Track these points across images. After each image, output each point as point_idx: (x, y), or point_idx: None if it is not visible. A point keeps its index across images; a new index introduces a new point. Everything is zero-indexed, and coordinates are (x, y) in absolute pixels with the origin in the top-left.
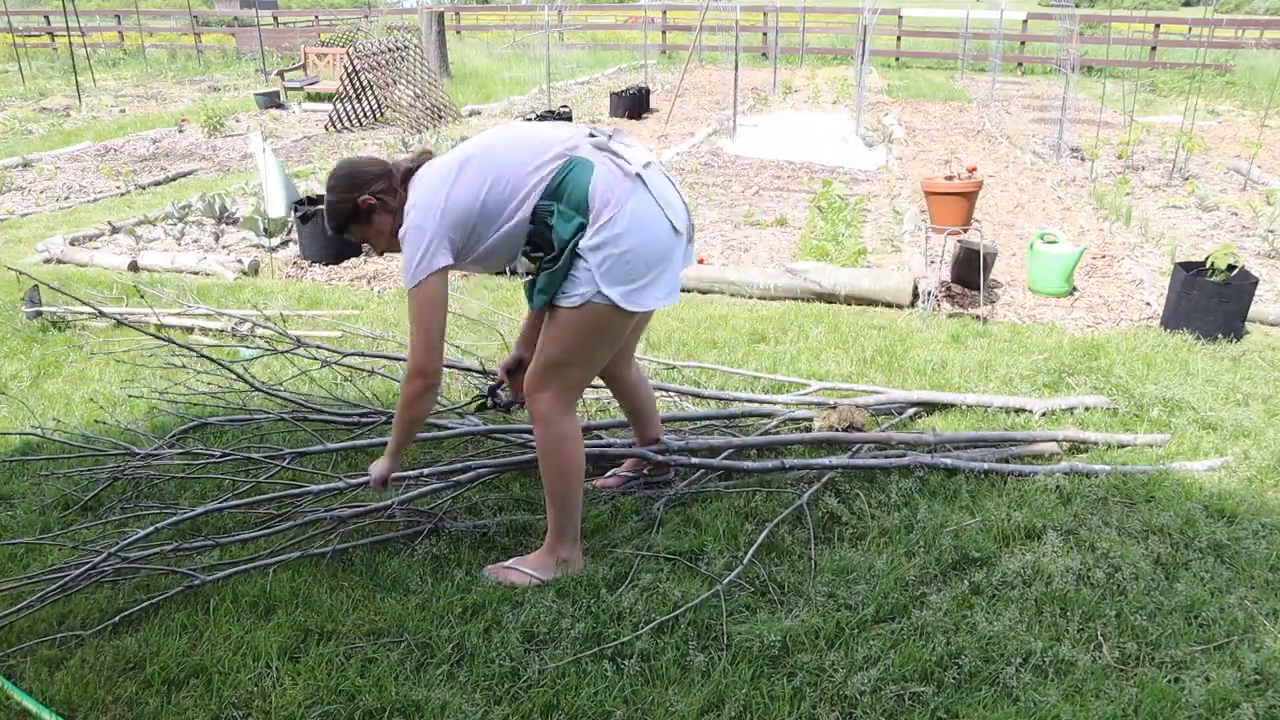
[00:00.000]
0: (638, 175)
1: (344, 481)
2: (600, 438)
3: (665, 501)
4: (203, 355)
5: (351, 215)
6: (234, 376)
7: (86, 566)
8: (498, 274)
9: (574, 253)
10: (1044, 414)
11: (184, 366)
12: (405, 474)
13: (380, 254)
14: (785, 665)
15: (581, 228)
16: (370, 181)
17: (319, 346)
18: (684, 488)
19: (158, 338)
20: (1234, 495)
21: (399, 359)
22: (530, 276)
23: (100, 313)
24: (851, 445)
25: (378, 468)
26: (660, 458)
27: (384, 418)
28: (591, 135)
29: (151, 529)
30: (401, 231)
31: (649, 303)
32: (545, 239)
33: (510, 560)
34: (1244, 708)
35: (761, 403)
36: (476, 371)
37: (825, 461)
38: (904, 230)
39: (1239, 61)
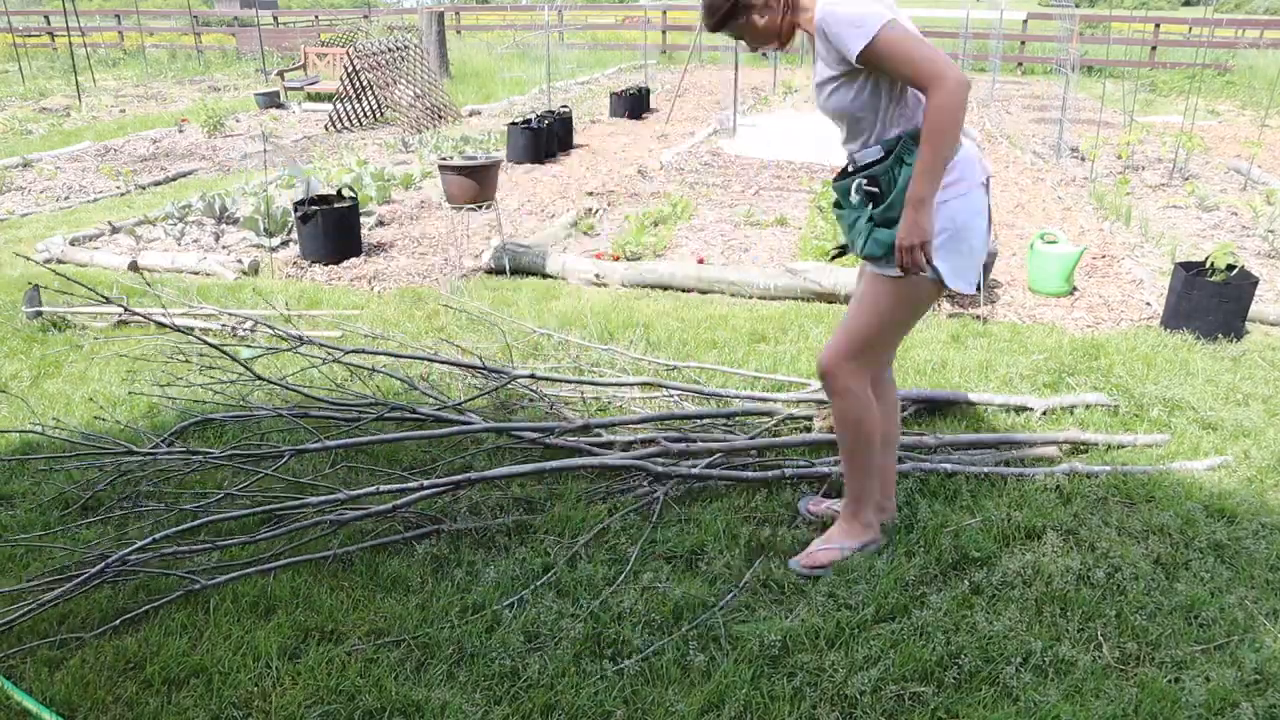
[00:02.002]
0: (988, 178)
1: (344, 493)
2: (600, 435)
3: (665, 501)
4: (206, 342)
5: (734, 9)
6: (236, 371)
7: (86, 575)
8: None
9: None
10: (1044, 412)
11: (186, 360)
12: (406, 485)
13: (754, 49)
14: (785, 665)
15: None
16: None
17: (320, 344)
18: (684, 486)
19: (163, 325)
20: (1234, 495)
21: (400, 356)
22: (865, 222)
23: (106, 299)
24: None
25: (911, 216)
26: (659, 468)
27: (386, 408)
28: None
29: (149, 539)
30: (823, 12)
31: (965, 285)
32: (889, 177)
33: (812, 545)
34: (1244, 707)
35: (762, 401)
36: (477, 369)
37: (825, 471)
38: None
39: (1239, 61)
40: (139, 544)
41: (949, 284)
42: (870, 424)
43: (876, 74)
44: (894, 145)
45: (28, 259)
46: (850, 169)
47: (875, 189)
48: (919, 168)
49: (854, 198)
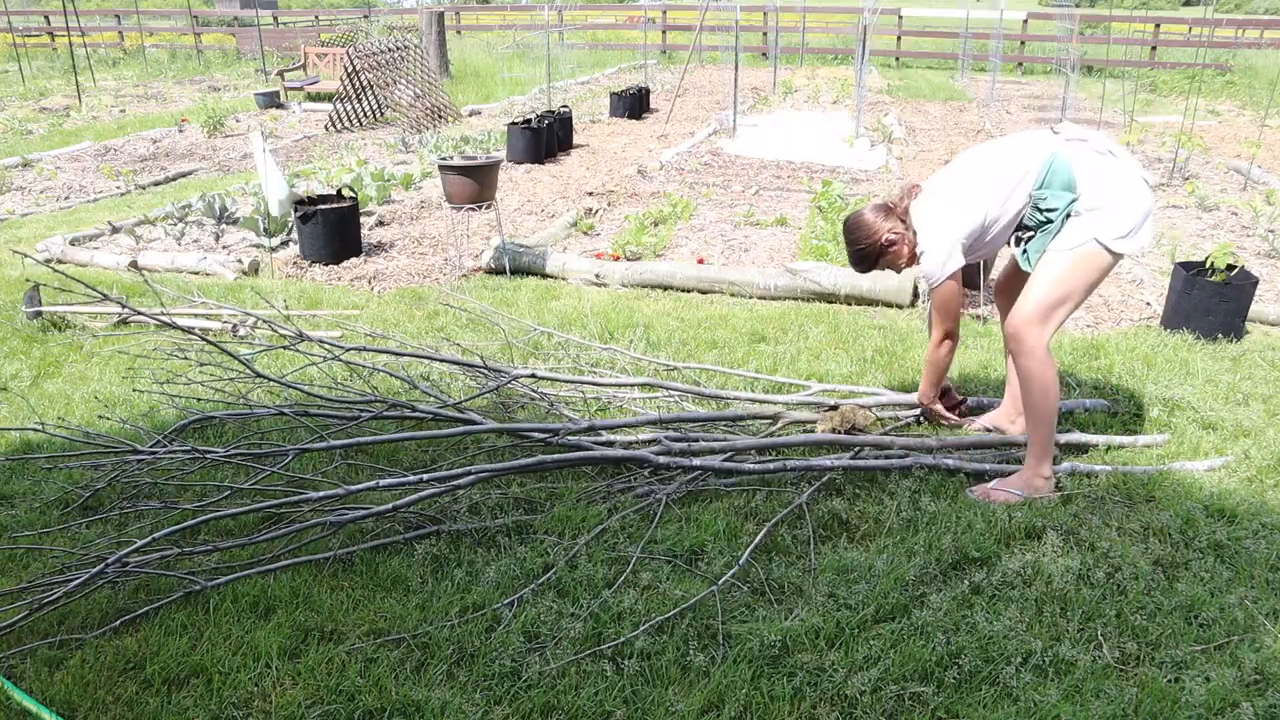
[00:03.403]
0: (1110, 152)
1: (344, 489)
2: (600, 434)
3: (665, 501)
4: (207, 340)
5: (880, 252)
6: (236, 370)
7: (86, 577)
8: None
9: (1067, 216)
10: None
11: (186, 359)
12: (405, 479)
13: (899, 271)
14: (785, 665)
15: (1072, 201)
16: (883, 223)
17: (320, 342)
18: (684, 486)
19: (163, 324)
20: (1234, 495)
21: (400, 354)
22: (1021, 247)
23: (105, 296)
24: (853, 447)
25: (923, 394)
26: (661, 459)
27: (385, 405)
28: (1054, 133)
29: (149, 539)
30: (920, 248)
31: (1134, 248)
32: (1035, 219)
33: (992, 483)
34: (1244, 707)
35: (763, 403)
36: (478, 369)
37: (826, 463)
38: None
39: (1239, 61)
40: (139, 544)
41: (1117, 250)
42: (1052, 380)
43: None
44: (1025, 212)
45: (25, 256)
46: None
47: (1028, 230)
48: (925, 386)
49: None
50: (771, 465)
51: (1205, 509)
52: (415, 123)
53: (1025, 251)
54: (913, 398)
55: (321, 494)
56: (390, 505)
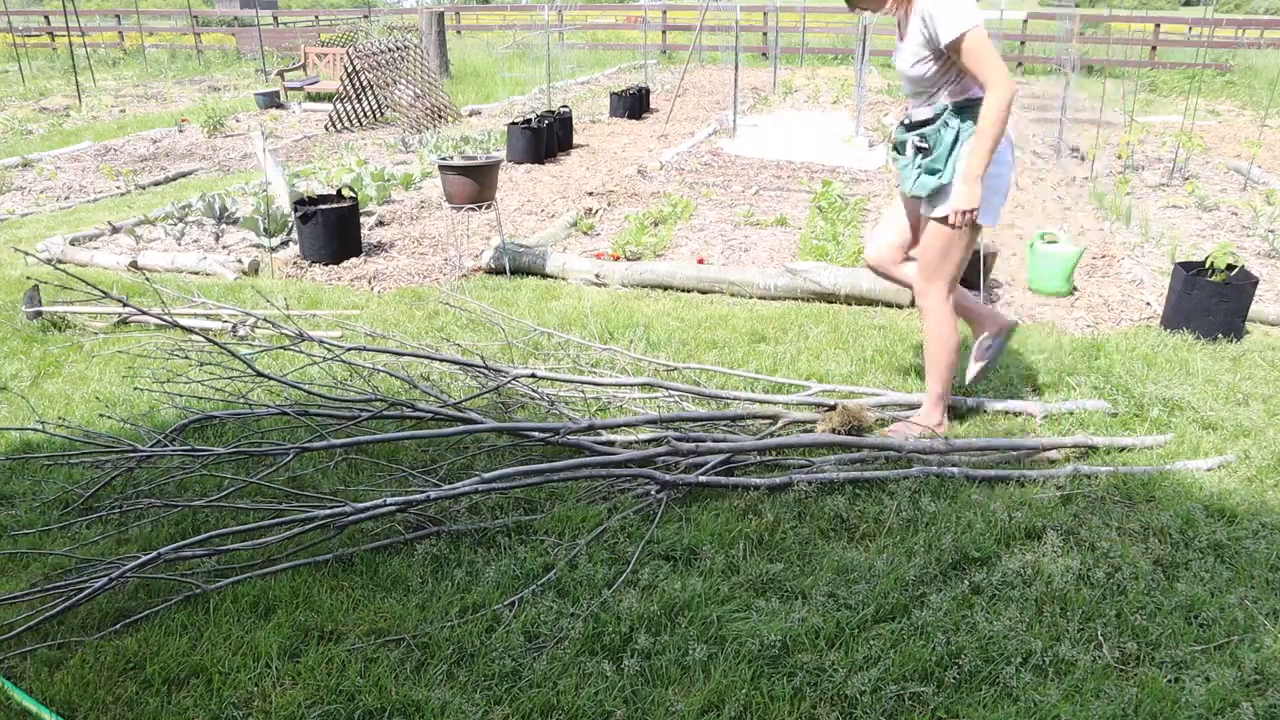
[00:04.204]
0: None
1: (350, 505)
2: (600, 434)
3: (666, 501)
4: (210, 340)
5: None
6: (237, 368)
7: (88, 593)
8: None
9: (955, 165)
10: (1045, 416)
11: (186, 358)
12: (412, 498)
13: (877, 10)
14: (785, 665)
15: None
16: None
17: (321, 341)
18: (688, 488)
19: (163, 324)
20: (1234, 495)
21: (401, 354)
22: (914, 169)
23: (105, 294)
24: (856, 447)
25: (975, 172)
26: (665, 477)
27: (385, 404)
28: None
29: (155, 554)
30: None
31: (990, 220)
32: (937, 137)
33: (895, 426)
34: (1244, 707)
35: (763, 403)
36: (478, 369)
37: (831, 476)
38: None
39: (1239, 61)
40: (146, 558)
41: (981, 221)
42: (952, 333)
43: (952, 57)
44: (941, 111)
45: (27, 254)
46: (906, 122)
47: (925, 145)
48: (973, 149)
49: (909, 151)
50: (778, 480)
51: (1205, 509)
52: (415, 123)
53: (905, 169)
54: (914, 398)
55: (327, 511)
56: (394, 504)
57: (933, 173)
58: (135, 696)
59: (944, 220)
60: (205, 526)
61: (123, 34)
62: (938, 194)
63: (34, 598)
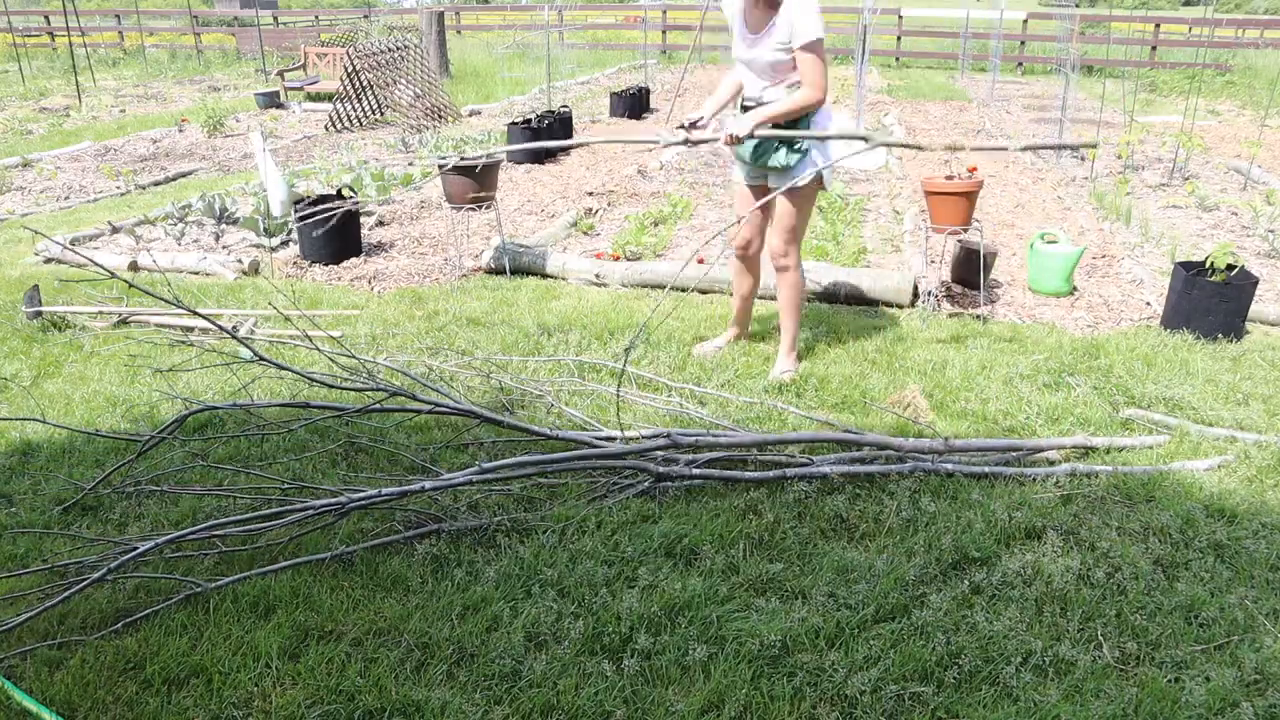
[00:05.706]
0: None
1: (345, 497)
2: (600, 430)
3: (666, 498)
4: (216, 325)
5: None
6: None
7: (85, 583)
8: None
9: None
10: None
11: (186, 355)
12: (408, 488)
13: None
14: (785, 665)
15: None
16: None
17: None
18: (686, 484)
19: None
20: (1234, 495)
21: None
22: (775, 146)
23: (113, 274)
24: (855, 445)
25: (753, 125)
26: (662, 469)
27: (386, 395)
28: None
29: (151, 544)
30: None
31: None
32: (792, 123)
33: (773, 372)
34: (1244, 707)
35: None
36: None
37: (827, 470)
38: (904, 230)
39: (1239, 61)
40: (141, 549)
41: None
42: (802, 287)
43: (796, 55)
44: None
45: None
46: (750, 104)
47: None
48: (777, 111)
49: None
50: (771, 474)
51: (1205, 509)
52: (415, 123)
53: (760, 144)
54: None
55: (322, 502)
56: (390, 494)
57: (791, 146)
58: (135, 696)
59: (799, 190)
60: (205, 519)
61: (123, 34)
62: (797, 165)
63: (33, 595)
